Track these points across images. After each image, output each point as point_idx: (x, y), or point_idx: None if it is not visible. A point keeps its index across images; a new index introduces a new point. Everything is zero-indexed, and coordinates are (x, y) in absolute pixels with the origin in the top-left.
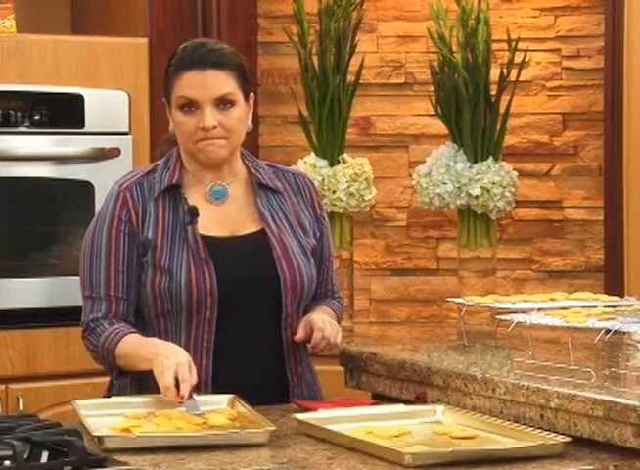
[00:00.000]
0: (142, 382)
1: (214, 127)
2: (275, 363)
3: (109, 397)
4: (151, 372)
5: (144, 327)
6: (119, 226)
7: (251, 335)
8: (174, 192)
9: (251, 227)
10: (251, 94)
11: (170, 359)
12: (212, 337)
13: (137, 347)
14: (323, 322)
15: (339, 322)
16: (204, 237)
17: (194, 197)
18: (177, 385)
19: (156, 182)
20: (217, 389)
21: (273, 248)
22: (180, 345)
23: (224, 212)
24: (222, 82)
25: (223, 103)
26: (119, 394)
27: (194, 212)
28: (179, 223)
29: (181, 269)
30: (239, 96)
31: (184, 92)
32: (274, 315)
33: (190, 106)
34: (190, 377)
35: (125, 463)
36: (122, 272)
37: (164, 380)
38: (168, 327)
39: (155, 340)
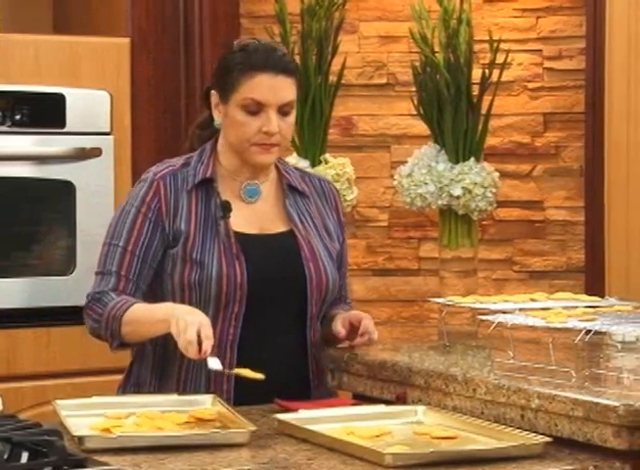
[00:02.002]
0: (163, 372)
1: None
2: (299, 362)
3: (125, 387)
4: (170, 362)
5: None
6: (147, 213)
7: (275, 332)
8: (207, 186)
9: (279, 227)
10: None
11: (192, 318)
12: (238, 331)
13: (150, 310)
14: (370, 322)
15: None
16: (237, 233)
17: (226, 193)
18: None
19: (190, 175)
20: (239, 383)
21: (301, 248)
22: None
23: (254, 211)
24: (289, 89)
25: (285, 110)
26: (138, 384)
27: (227, 207)
28: (211, 217)
29: (212, 262)
30: (295, 103)
31: (254, 94)
32: (298, 315)
33: (255, 108)
34: (212, 336)
35: (106, 463)
36: (138, 257)
37: (187, 335)
38: None
39: (169, 303)
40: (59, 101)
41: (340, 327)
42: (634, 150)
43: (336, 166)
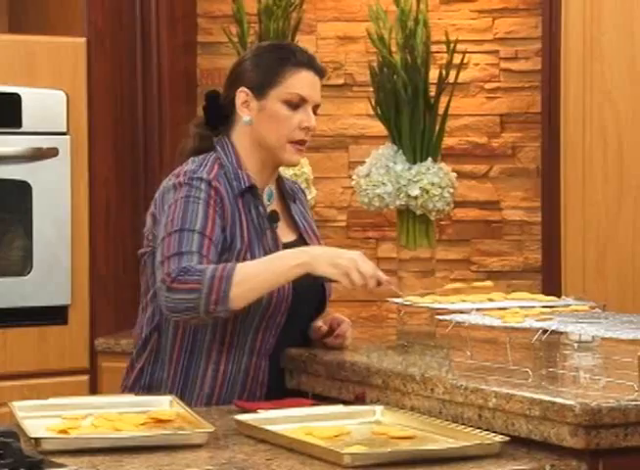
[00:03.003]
0: (187, 374)
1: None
2: None
3: (133, 388)
4: (198, 363)
5: (204, 332)
6: (216, 209)
7: (301, 339)
8: (250, 192)
9: (288, 235)
10: None
11: (349, 253)
12: (274, 340)
13: (271, 261)
14: (347, 323)
15: None
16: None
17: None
18: None
19: (232, 179)
20: (269, 391)
21: None
22: (243, 347)
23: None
24: (320, 92)
25: (315, 111)
26: (150, 386)
27: (275, 217)
28: (256, 226)
29: None
30: None
31: (301, 89)
32: (308, 318)
33: (296, 104)
34: None
35: (63, 465)
36: (215, 245)
37: (366, 270)
38: (236, 329)
39: (284, 251)
40: (15, 101)
41: (321, 323)
42: (590, 150)
43: (294, 167)
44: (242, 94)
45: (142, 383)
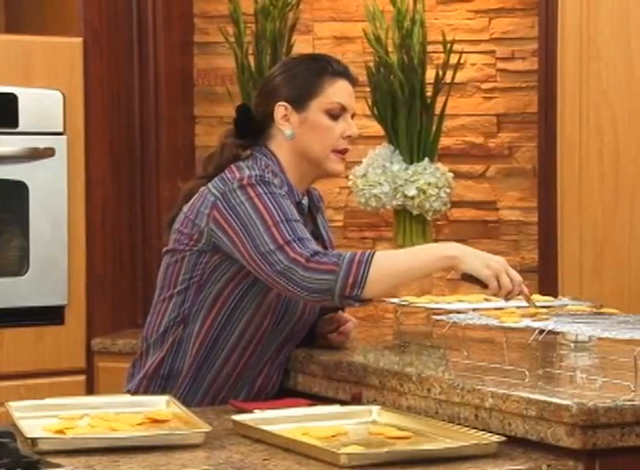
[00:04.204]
0: (202, 365)
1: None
2: None
3: (152, 378)
4: (215, 354)
5: (230, 334)
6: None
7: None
8: (298, 207)
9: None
10: None
11: (497, 257)
12: (289, 353)
13: (420, 249)
14: (353, 323)
15: None
16: None
17: None
18: None
19: (286, 191)
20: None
21: None
22: (263, 357)
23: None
24: (354, 99)
25: (353, 120)
26: (168, 377)
27: (315, 236)
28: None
29: None
30: None
31: (341, 98)
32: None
33: (337, 113)
34: None
35: (60, 465)
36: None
37: (516, 277)
38: (263, 338)
39: (431, 244)
40: (11, 101)
41: (329, 325)
42: (587, 150)
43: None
44: (281, 108)
45: (161, 372)
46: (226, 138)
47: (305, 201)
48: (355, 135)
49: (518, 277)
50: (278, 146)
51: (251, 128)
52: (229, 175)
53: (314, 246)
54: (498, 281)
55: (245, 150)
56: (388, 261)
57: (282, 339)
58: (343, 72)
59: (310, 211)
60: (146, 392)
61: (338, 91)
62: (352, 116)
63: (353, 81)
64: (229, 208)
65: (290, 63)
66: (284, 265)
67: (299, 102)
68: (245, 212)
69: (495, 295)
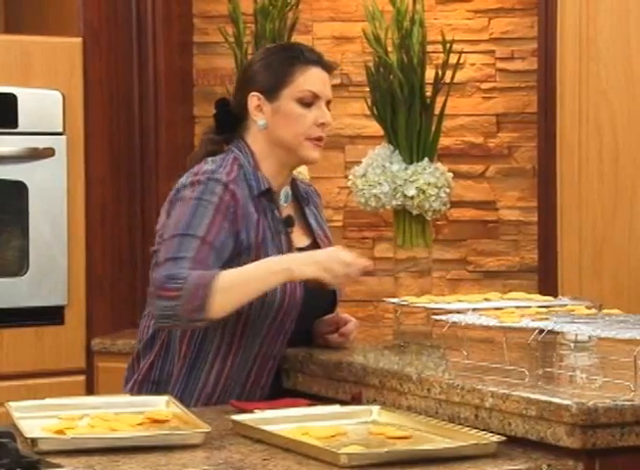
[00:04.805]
0: (192, 369)
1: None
2: None
3: (142, 383)
4: (203, 357)
5: (213, 332)
6: (226, 213)
7: (303, 339)
8: (267, 195)
9: (302, 239)
10: None
11: (324, 253)
12: (283, 349)
13: (252, 268)
14: (354, 324)
15: None
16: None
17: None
18: None
19: (252, 181)
20: (267, 393)
21: None
22: (250, 351)
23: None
24: (330, 87)
25: (328, 107)
26: (159, 382)
27: (290, 222)
28: (272, 229)
29: None
30: None
31: (313, 86)
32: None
33: (309, 101)
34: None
35: (59, 465)
36: (216, 250)
37: (344, 259)
38: (245, 332)
39: (264, 259)
40: (11, 101)
41: (330, 326)
42: (586, 150)
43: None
44: (254, 98)
45: (152, 377)
46: (204, 134)
47: (286, 190)
48: (329, 123)
49: (349, 258)
50: (254, 137)
51: (230, 122)
52: (194, 169)
53: (176, 268)
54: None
55: (222, 145)
56: (229, 283)
57: (265, 331)
58: (316, 60)
59: (297, 201)
60: None
61: (309, 79)
62: (328, 102)
63: (328, 68)
64: (172, 202)
65: (264, 52)
66: (149, 289)
67: (271, 92)
68: (174, 215)
69: (341, 283)
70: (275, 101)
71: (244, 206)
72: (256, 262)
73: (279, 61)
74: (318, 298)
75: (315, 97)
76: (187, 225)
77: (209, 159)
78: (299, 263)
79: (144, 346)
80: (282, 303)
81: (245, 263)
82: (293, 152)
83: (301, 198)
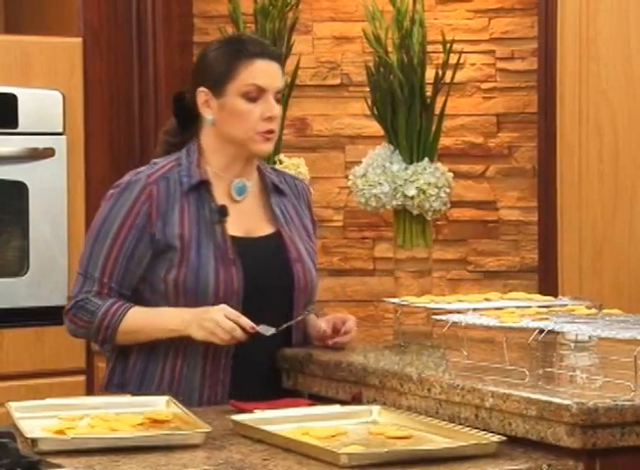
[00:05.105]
0: (146, 373)
1: (275, 118)
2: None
3: (107, 387)
4: (156, 362)
5: None
6: (136, 218)
7: (266, 337)
8: (201, 188)
9: (265, 229)
10: None
11: (210, 314)
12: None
13: (154, 318)
14: (352, 320)
15: None
16: (233, 237)
17: (216, 194)
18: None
19: (183, 176)
20: (234, 389)
21: (288, 251)
22: (198, 347)
23: (240, 211)
24: (280, 76)
25: (277, 97)
26: (122, 385)
27: (224, 212)
28: (206, 220)
29: (209, 268)
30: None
31: (256, 80)
32: (284, 318)
33: (255, 95)
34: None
35: (60, 465)
36: (121, 265)
37: (225, 327)
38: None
39: (169, 309)
40: (11, 101)
41: (325, 326)
42: (586, 150)
43: (290, 167)
44: (202, 94)
45: (115, 381)
46: (163, 135)
47: (240, 182)
48: (276, 116)
49: (229, 326)
50: (206, 131)
51: (188, 117)
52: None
53: (86, 290)
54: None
55: (178, 145)
56: (132, 327)
57: None
58: (261, 53)
59: (266, 193)
60: None
61: (253, 73)
62: (278, 93)
63: (275, 57)
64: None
65: (211, 46)
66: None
67: (217, 87)
68: (95, 216)
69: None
70: (221, 97)
71: (163, 204)
72: (163, 310)
73: (223, 55)
74: (270, 284)
75: (261, 90)
76: (96, 235)
77: (153, 160)
78: (193, 325)
79: (110, 350)
80: (216, 292)
81: (172, 259)
82: (243, 146)
83: (268, 187)
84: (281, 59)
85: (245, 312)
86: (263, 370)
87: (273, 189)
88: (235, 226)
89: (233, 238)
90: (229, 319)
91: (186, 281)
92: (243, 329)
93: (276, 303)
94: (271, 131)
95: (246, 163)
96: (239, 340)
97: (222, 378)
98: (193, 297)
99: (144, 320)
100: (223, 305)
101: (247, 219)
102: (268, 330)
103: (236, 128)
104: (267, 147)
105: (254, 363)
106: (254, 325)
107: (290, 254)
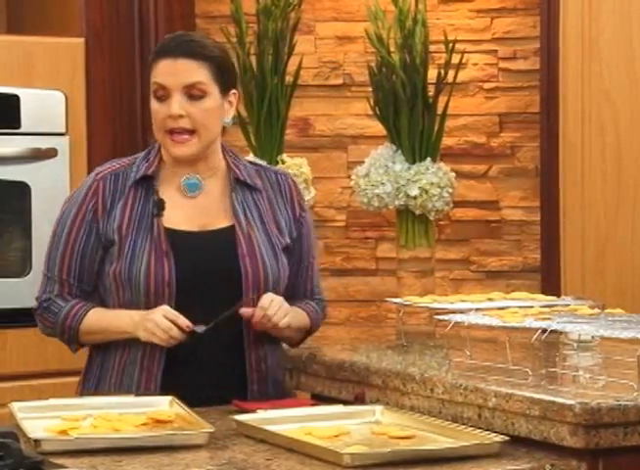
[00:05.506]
0: (102, 372)
1: (180, 116)
2: (235, 361)
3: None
4: (109, 361)
5: None
6: (85, 215)
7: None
8: (148, 183)
9: (221, 223)
10: (234, 90)
11: (151, 315)
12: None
13: (110, 321)
14: (270, 302)
15: (313, 324)
16: (170, 230)
17: (169, 189)
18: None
19: (132, 172)
20: (168, 385)
21: (239, 244)
22: (137, 340)
23: (197, 206)
24: (193, 72)
25: (193, 93)
26: (96, 386)
27: (160, 205)
28: (147, 215)
29: (142, 260)
30: (212, 88)
31: (157, 78)
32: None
33: (162, 94)
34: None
35: (63, 466)
36: (76, 261)
37: (162, 327)
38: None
39: (124, 311)
40: (13, 101)
41: (249, 309)
42: (589, 150)
43: (292, 167)
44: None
45: (87, 376)
46: None
47: (189, 178)
48: (174, 114)
49: (165, 325)
50: None
51: None
52: None
53: (49, 291)
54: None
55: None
56: (90, 328)
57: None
58: (166, 51)
59: (230, 187)
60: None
61: (156, 72)
62: (190, 89)
63: (182, 54)
64: None
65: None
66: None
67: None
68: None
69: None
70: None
71: (109, 200)
72: (117, 313)
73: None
74: (210, 272)
75: (164, 89)
76: (53, 235)
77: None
78: (139, 327)
79: (75, 350)
80: (147, 284)
81: (113, 253)
82: (163, 148)
83: (232, 183)
84: (192, 53)
85: (183, 305)
86: (204, 363)
87: (237, 184)
88: (190, 221)
89: (179, 232)
90: (168, 319)
91: (121, 273)
92: (181, 329)
93: (221, 296)
94: (175, 131)
95: (189, 162)
96: (177, 339)
97: (155, 372)
98: (128, 290)
99: (100, 322)
100: (164, 306)
101: (203, 214)
102: (201, 328)
103: (154, 129)
104: (178, 150)
105: (195, 362)
106: (190, 324)
107: (239, 247)
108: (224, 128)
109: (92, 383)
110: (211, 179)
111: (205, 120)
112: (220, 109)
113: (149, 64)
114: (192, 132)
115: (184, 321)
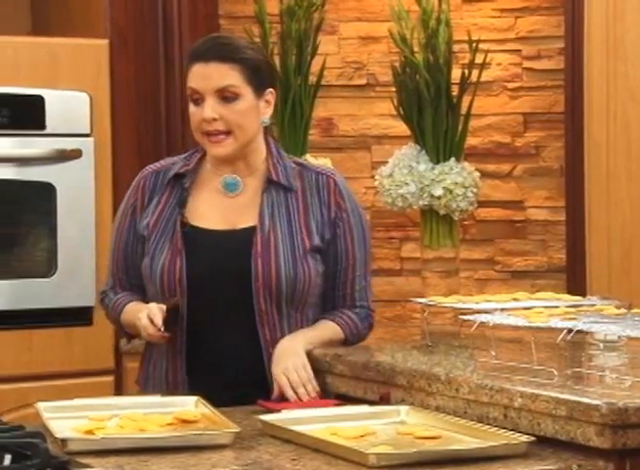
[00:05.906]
0: (147, 367)
1: (214, 119)
2: (254, 361)
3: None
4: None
5: None
6: (127, 211)
7: (225, 331)
8: (175, 181)
9: (247, 222)
10: (270, 89)
11: (139, 312)
12: (186, 336)
13: (130, 315)
14: (286, 379)
15: (347, 336)
16: (196, 228)
17: (209, 188)
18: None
19: (170, 170)
20: (192, 381)
21: (255, 244)
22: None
23: (233, 206)
24: (224, 75)
25: (225, 96)
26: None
27: (182, 203)
28: (172, 211)
29: (160, 257)
30: (244, 90)
31: (191, 83)
32: (250, 313)
33: (197, 97)
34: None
35: (89, 465)
36: (124, 256)
37: (143, 323)
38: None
39: (138, 306)
40: (38, 103)
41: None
42: (614, 149)
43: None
44: None
45: (142, 374)
46: None
47: (228, 178)
48: (206, 116)
49: (143, 321)
50: None
51: None
52: None
53: (106, 284)
54: None
55: None
56: (125, 321)
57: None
58: (198, 55)
59: (266, 186)
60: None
61: (190, 77)
62: (222, 92)
63: (213, 58)
64: None
65: None
66: None
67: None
68: None
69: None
70: None
71: (148, 196)
72: (136, 307)
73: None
74: (222, 271)
75: (198, 93)
76: (112, 232)
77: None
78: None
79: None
80: (162, 282)
81: (145, 249)
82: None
83: (271, 184)
84: (224, 57)
85: (196, 303)
86: (223, 361)
87: (270, 184)
88: (221, 220)
89: (204, 230)
90: (148, 318)
91: (145, 269)
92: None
93: (233, 296)
94: (210, 133)
95: (229, 162)
96: (154, 337)
97: (180, 379)
98: (151, 285)
99: (126, 315)
100: (151, 304)
101: (236, 213)
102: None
103: (192, 129)
104: (216, 150)
105: (213, 354)
106: (160, 326)
107: (254, 247)
108: (267, 127)
109: (144, 373)
110: (250, 178)
111: (239, 121)
112: (255, 109)
113: (185, 67)
114: (228, 133)
115: (158, 322)
